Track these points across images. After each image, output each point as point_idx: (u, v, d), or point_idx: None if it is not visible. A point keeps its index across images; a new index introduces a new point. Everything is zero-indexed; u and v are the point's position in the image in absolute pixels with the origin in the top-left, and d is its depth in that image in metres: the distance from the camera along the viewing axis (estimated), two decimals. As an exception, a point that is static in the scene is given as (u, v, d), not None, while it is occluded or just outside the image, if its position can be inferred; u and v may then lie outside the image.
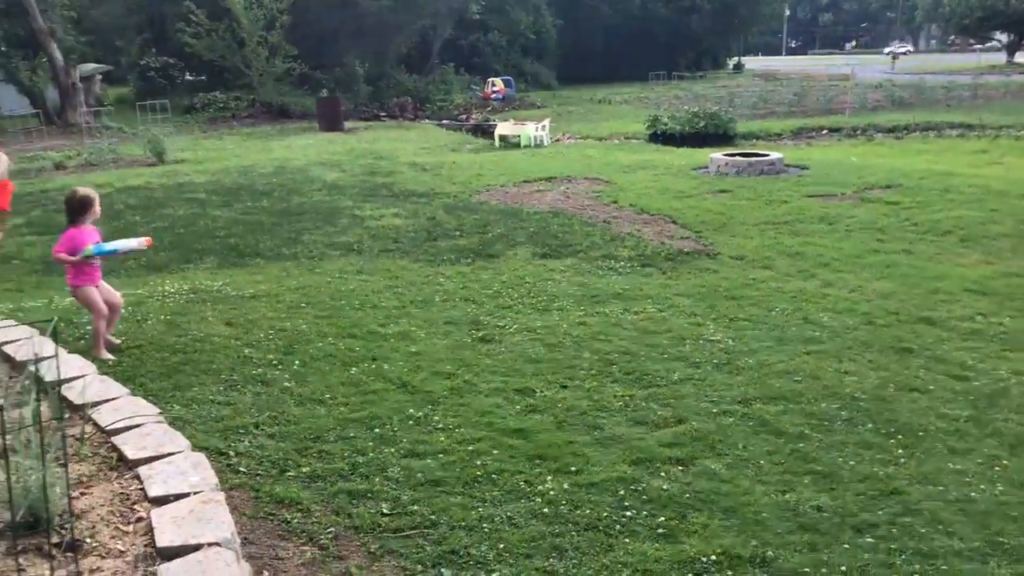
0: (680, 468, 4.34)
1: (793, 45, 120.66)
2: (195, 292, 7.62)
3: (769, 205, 11.60)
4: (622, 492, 4.08)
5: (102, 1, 44.85)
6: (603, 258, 8.90)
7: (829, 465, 4.36)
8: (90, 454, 3.52)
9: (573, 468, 4.31)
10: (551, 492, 4.07)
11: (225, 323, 6.66)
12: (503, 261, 8.91)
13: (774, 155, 15.20)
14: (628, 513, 3.90)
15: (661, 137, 20.85)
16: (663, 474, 4.27)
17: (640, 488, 4.12)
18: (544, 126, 22.06)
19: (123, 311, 6.86)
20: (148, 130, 20.98)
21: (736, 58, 71.93)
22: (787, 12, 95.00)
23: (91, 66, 37.85)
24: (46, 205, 12.98)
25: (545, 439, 4.62)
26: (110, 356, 5.72)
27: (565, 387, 5.39)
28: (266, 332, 6.43)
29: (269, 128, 27.91)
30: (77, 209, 5.92)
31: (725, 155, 15.12)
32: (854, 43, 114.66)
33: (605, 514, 3.89)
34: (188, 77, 41.48)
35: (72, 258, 5.82)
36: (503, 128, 22.12)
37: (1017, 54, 63.62)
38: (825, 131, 23.86)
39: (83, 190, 6.07)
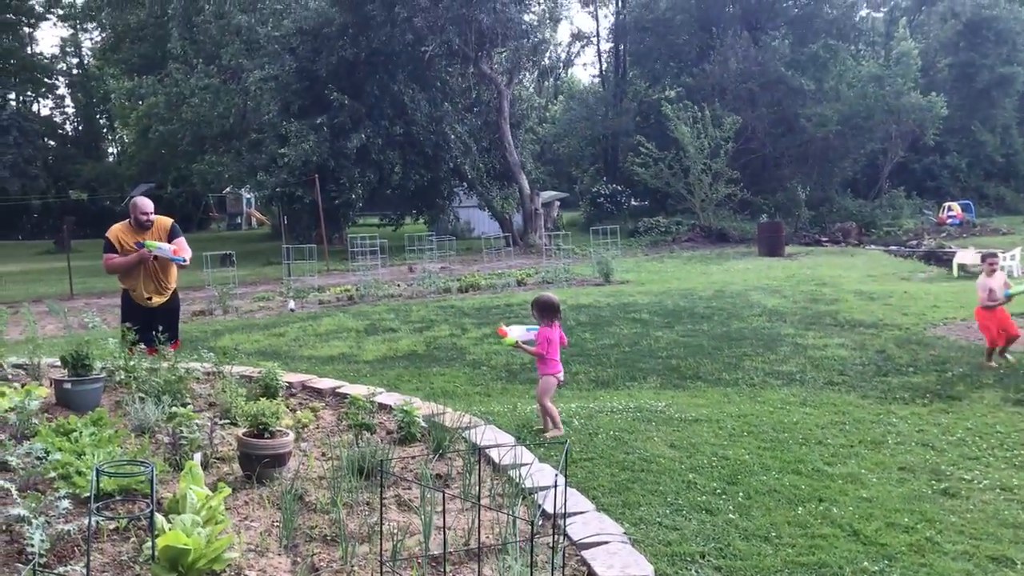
0: None
1: None
2: (640, 411, 7.93)
3: None
4: None
5: (563, 136, 50.28)
6: (1097, 412, 7.64)
7: None
8: (561, 564, 3.79)
9: (1070, 665, 3.67)
10: None
11: (669, 445, 6.82)
12: (967, 405, 8.06)
13: None
14: None
15: None
16: None
17: None
18: (1014, 255, 19.85)
19: (576, 422, 7.39)
20: (597, 252, 22.68)
21: None
22: None
23: (550, 193, 42.39)
24: (510, 318, 14.52)
25: (1030, 622, 4.00)
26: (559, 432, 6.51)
27: (1054, 562, 4.65)
28: (709, 458, 6.46)
29: (708, 252, 28.64)
30: (551, 310, 6.92)
31: None
32: None
33: None
34: (633, 203, 44.39)
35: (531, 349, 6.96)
36: (963, 256, 20.31)
37: None
38: None
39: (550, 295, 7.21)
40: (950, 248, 25.52)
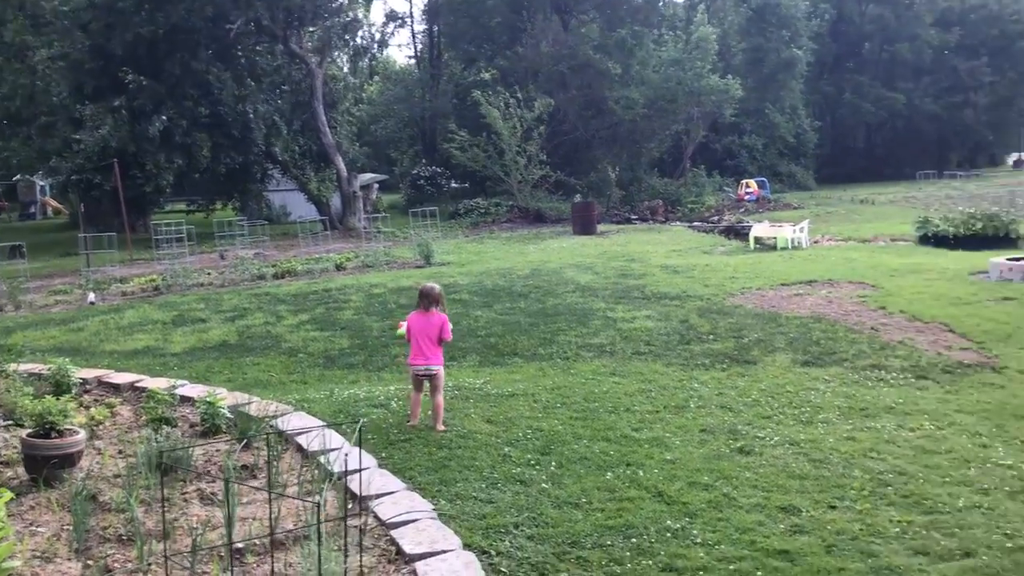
0: (971, 609, 3.90)
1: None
2: (459, 389, 7.98)
3: (1065, 314, 10.45)
4: (903, 630, 3.73)
5: (381, 118, 49.71)
6: (871, 368, 8.38)
7: None
8: (371, 545, 3.75)
9: (846, 598, 4.01)
10: (822, 623, 3.80)
11: (486, 420, 6.91)
12: (761, 368, 8.63)
13: (1069, 259, 13.76)
14: (911, 655, 3.55)
15: (932, 239, 19.51)
16: (951, 614, 3.86)
17: (924, 628, 3.75)
18: (802, 227, 21.39)
19: (394, 405, 7.35)
20: (417, 234, 22.61)
21: (1016, 155, 66.45)
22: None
23: (369, 176, 41.78)
24: (328, 303, 14.23)
25: (813, 563, 4.34)
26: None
27: (833, 507, 5.06)
28: (524, 431, 6.60)
29: (526, 232, 29.17)
30: (421, 298, 6.89)
31: (1009, 259, 13.87)
32: None
33: (884, 654, 3.56)
34: (453, 185, 44.53)
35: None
36: (758, 229, 21.69)
37: None
38: None
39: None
40: (747, 223, 27.19)
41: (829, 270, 15.29)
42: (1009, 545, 4.50)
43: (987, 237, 18.63)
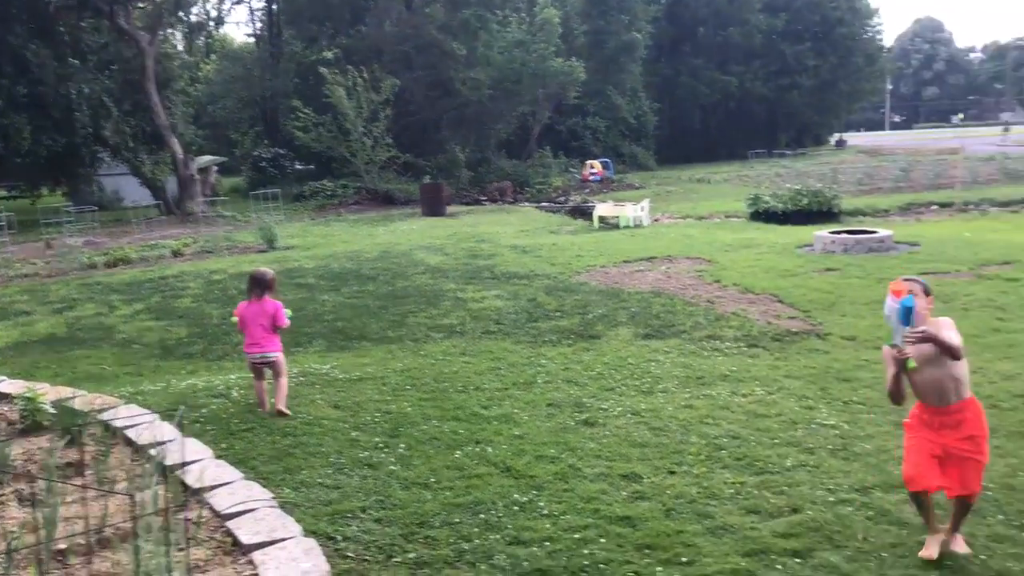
0: (797, 561, 4.15)
1: (897, 120, 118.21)
2: (304, 375, 7.81)
3: (880, 283, 11.23)
4: (736, 585, 3.92)
5: (219, 97, 47.71)
6: (708, 338, 8.76)
7: (955, 558, 4.10)
8: (206, 538, 3.60)
9: (684, 559, 4.17)
10: (661, 584, 3.94)
11: (333, 406, 6.79)
12: (605, 342, 8.87)
13: (883, 232, 14.82)
14: (743, 608, 3.74)
15: (763, 215, 20.59)
16: (779, 567, 4.09)
17: (755, 581, 3.95)
18: (643, 206, 22.10)
19: (235, 394, 7.10)
20: (260, 218, 21.93)
21: (838, 135, 70.98)
22: (889, 87, 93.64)
23: (207, 158, 40.08)
24: (164, 291, 13.61)
25: (654, 527, 4.50)
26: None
27: (673, 473, 5.26)
28: (372, 415, 6.52)
29: (375, 214, 28.81)
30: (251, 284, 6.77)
31: (831, 232, 14.82)
32: (961, 116, 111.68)
33: (719, 609, 3.74)
34: (298, 166, 43.36)
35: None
36: (602, 209, 22.24)
37: None
38: (935, 207, 23.13)
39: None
40: (592, 203, 27.84)
41: (668, 247, 15.87)
42: (831, 499, 4.81)
43: (812, 212, 19.82)
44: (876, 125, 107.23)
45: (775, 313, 9.88)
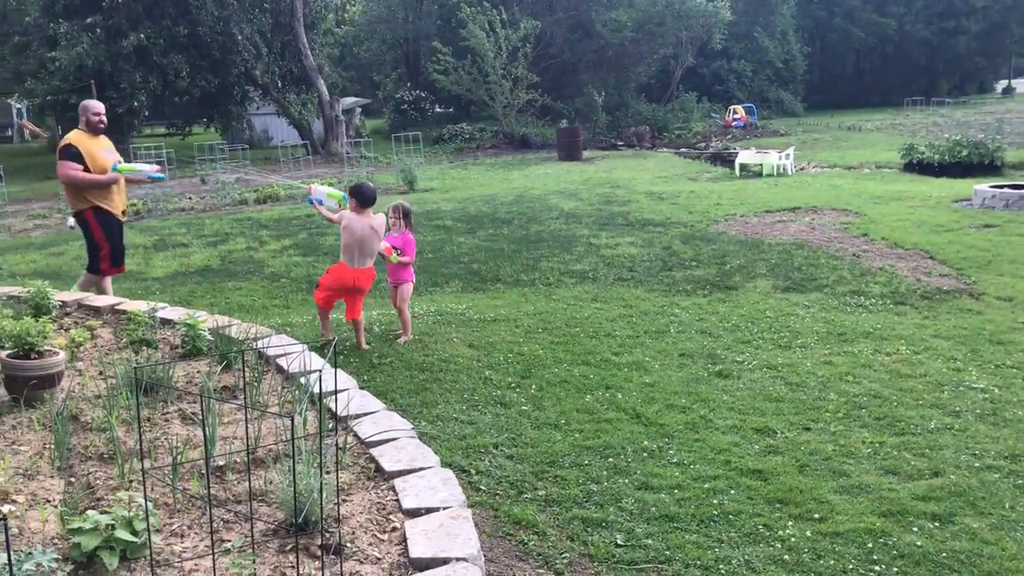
0: (936, 524, 4.01)
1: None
2: (441, 314, 8.01)
3: (1044, 242, 10.53)
4: (870, 545, 3.83)
5: (363, 39, 48.67)
6: (851, 294, 8.45)
7: (1118, 538, 3.87)
8: (351, 463, 3.79)
9: (816, 515, 4.10)
10: (792, 539, 3.89)
11: (468, 345, 6.95)
12: (742, 294, 8.69)
13: (1051, 187, 13.81)
14: (876, 568, 3.66)
15: (917, 167, 19.51)
16: (916, 529, 3.97)
17: (890, 543, 3.85)
18: (788, 154, 21.32)
19: (376, 329, 7.37)
20: (401, 160, 22.39)
21: (1005, 81, 65.99)
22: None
23: (351, 100, 41.11)
24: (310, 229, 14.15)
25: (786, 482, 4.43)
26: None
27: (808, 429, 5.15)
28: (505, 355, 6.65)
29: (510, 158, 28.93)
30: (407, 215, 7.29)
31: (992, 186, 13.91)
32: None
33: (851, 567, 3.67)
34: (438, 109, 43.91)
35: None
36: (744, 156, 21.58)
37: None
38: (1114, 160, 21.29)
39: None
40: (733, 149, 27.06)
41: (813, 197, 15.30)
42: (976, 465, 4.61)
43: (972, 164, 18.64)
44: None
45: (925, 270, 9.42)
